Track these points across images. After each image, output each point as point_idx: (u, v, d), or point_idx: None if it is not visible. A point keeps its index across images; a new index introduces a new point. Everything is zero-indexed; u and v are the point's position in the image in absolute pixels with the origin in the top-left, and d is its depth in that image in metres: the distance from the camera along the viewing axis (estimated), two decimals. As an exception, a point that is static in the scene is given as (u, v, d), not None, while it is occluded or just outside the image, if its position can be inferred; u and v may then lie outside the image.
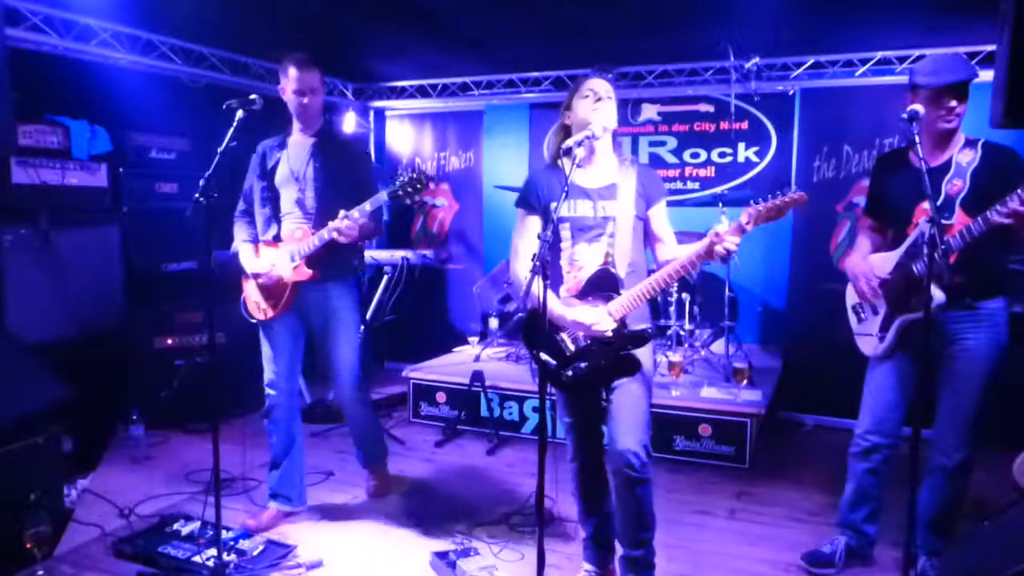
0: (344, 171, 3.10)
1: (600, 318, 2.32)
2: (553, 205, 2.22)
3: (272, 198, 3.14)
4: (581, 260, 2.43)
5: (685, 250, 2.32)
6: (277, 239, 3.12)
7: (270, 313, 3.11)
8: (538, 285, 2.01)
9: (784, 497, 3.62)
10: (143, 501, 3.42)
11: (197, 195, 2.45)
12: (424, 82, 6.01)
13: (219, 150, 2.59)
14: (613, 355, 2.34)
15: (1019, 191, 2.25)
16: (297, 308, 3.13)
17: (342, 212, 2.87)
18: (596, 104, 2.38)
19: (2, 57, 2.82)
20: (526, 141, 5.93)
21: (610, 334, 2.32)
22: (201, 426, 4.36)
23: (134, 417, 4.09)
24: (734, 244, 2.15)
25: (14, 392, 2.94)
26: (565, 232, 2.44)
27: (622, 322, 2.35)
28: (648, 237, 2.52)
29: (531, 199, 2.50)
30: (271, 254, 3.09)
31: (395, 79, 6.10)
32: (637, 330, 2.36)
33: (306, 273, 3.01)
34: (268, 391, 3.22)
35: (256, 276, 3.10)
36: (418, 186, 2.78)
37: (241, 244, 3.20)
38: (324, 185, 3.06)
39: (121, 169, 4.45)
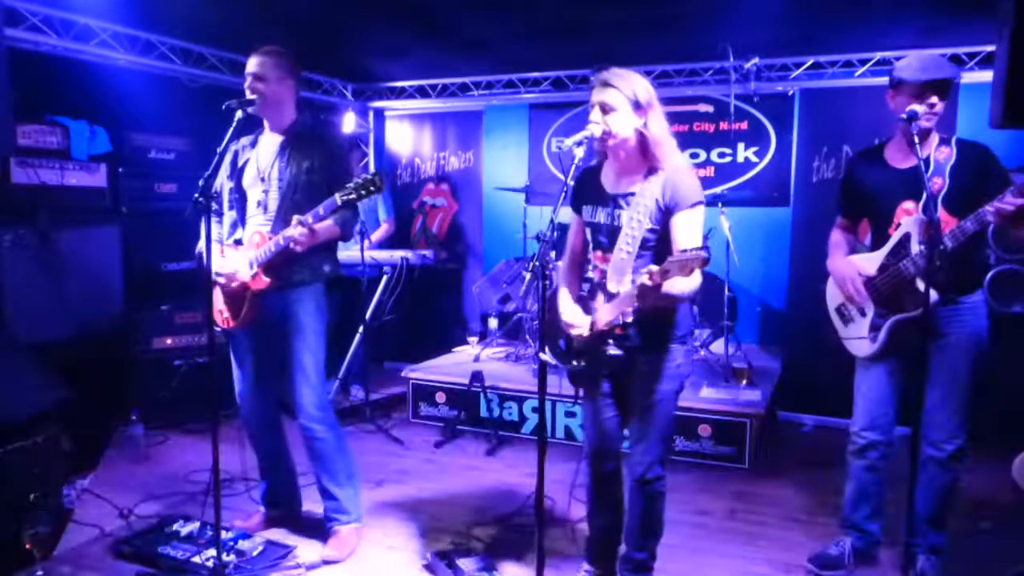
0: (314, 170, 2.87)
1: (581, 323, 2.36)
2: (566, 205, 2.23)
3: (239, 200, 2.98)
4: (598, 265, 2.44)
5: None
6: (239, 243, 2.96)
7: (232, 323, 2.96)
8: (537, 285, 2.02)
9: (784, 497, 3.62)
10: (143, 501, 3.42)
11: (196, 195, 2.43)
12: (424, 82, 6.01)
13: (219, 150, 2.59)
14: (601, 359, 2.35)
15: (1012, 186, 2.27)
16: (260, 318, 2.93)
17: (295, 218, 2.67)
18: (593, 116, 2.29)
19: (2, 57, 2.81)
20: (526, 141, 5.93)
21: (584, 335, 2.34)
22: (200, 426, 4.35)
23: (134, 417, 4.09)
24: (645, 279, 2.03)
25: (14, 392, 2.94)
26: (588, 235, 2.48)
27: (616, 329, 2.30)
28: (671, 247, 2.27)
29: (574, 200, 2.52)
30: (234, 257, 2.91)
31: (395, 79, 6.10)
32: (611, 353, 2.31)
33: (264, 282, 2.82)
34: (239, 402, 3.12)
35: (220, 277, 2.89)
36: (371, 188, 2.57)
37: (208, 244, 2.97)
38: (288, 186, 2.86)
39: (120, 169, 4.44)
